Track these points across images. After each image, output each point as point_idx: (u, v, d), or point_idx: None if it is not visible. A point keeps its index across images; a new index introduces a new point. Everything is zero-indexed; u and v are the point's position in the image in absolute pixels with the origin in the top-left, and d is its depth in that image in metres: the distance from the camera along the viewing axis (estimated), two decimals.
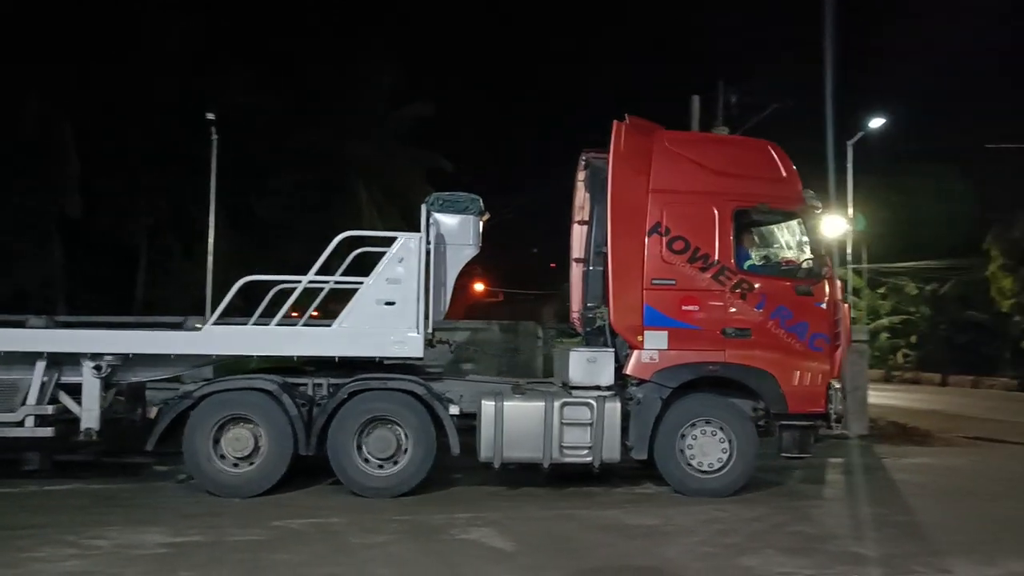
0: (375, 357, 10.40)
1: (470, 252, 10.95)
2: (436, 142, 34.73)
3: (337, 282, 10.64)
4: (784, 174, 10.75)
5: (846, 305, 10.71)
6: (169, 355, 10.20)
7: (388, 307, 10.19)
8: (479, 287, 56.60)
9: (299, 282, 10.46)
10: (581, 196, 12.47)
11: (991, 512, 10.20)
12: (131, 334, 10.92)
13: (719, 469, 10.45)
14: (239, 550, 7.81)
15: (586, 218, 12.32)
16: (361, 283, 10.33)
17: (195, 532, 8.36)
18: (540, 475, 10.74)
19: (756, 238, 11.03)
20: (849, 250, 28.69)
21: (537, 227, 43.56)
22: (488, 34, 69.66)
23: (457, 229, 10.77)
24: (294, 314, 10.79)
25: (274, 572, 7.23)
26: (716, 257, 10.51)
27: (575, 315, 12.48)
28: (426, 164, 33.87)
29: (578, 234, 12.53)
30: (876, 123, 28.29)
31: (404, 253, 10.26)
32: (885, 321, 29.54)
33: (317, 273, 10.49)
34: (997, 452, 15.80)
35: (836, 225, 22.41)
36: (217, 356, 10.35)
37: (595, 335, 11.40)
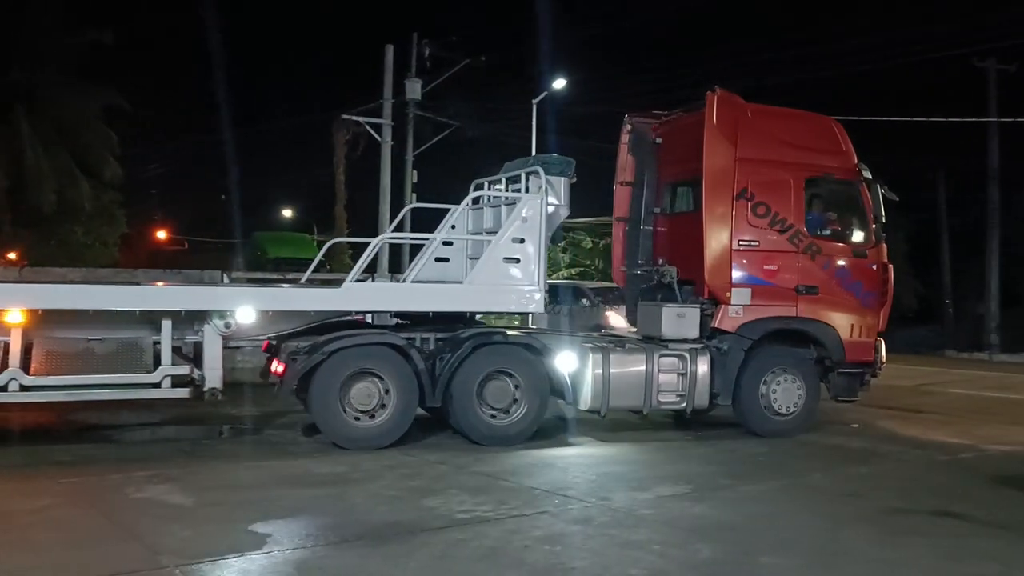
0: (504, 313, 10.62)
1: (563, 213, 11.34)
2: (118, 77, 31.57)
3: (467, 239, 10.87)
4: (844, 147, 11.92)
5: (891, 266, 12.10)
6: (308, 311, 10.17)
7: (513, 264, 10.53)
8: (162, 235, 53.76)
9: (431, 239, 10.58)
10: (624, 158, 13.12)
11: (643, 445, 11.09)
12: (270, 291, 10.78)
13: (793, 411, 11.63)
14: None
15: (629, 179, 13.05)
16: (490, 241, 10.57)
17: None
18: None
19: (821, 204, 12.11)
20: None
21: (228, 174, 40.73)
22: None
23: (557, 191, 11.11)
24: None
25: None
26: (791, 221, 11.54)
27: (620, 271, 13.20)
28: (102, 101, 30.67)
29: (621, 195, 13.19)
30: (559, 84, 30.13)
31: (529, 213, 10.61)
32: (564, 272, 31.79)
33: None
34: None
35: None
36: (356, 312, 10.20)
37: (651, 291, 12.19)
